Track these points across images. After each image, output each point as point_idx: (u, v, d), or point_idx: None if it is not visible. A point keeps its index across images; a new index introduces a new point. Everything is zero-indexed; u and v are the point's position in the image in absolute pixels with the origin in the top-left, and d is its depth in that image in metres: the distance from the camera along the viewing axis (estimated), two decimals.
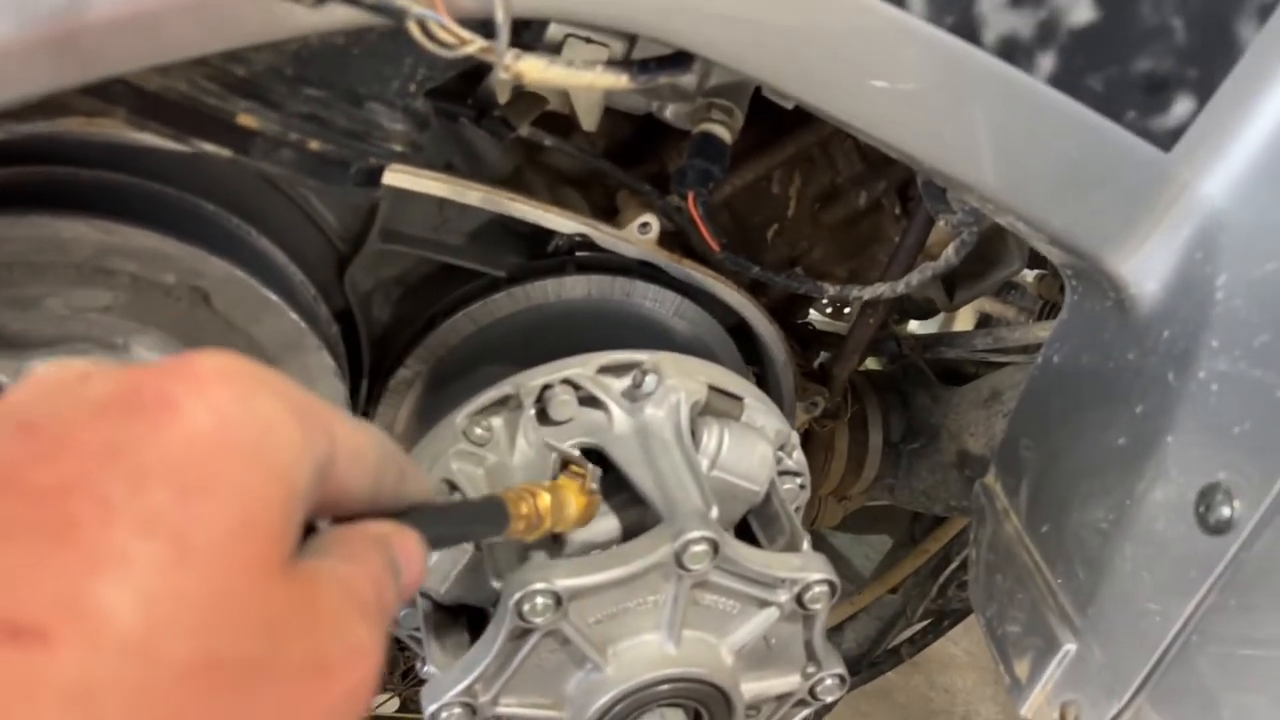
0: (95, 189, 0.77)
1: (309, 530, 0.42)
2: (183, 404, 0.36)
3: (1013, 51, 0.62)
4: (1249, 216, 0.65)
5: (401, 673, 1.27)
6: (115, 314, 0.76)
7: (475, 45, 0.55)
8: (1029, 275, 1.81)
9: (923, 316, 1.94)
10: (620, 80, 0.63)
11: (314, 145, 0.62)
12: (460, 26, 0.54)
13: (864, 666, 1.41)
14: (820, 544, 1.22)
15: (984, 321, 2.38)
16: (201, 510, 0.34)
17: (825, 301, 1.29)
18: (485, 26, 0.56)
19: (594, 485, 0.74)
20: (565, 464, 0.75)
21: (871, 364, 1.44)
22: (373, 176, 0.68)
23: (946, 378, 1.35)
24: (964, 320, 2.42)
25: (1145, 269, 0.71)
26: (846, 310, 1.67)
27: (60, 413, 0.36)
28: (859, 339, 1.08)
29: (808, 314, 1.29)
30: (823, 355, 1.21)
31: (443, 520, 0.53)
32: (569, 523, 0.71)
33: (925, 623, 1.38)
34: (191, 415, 0.36)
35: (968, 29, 0.61)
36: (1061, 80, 0.64)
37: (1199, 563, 0.65)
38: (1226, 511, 0.63)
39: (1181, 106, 0.65)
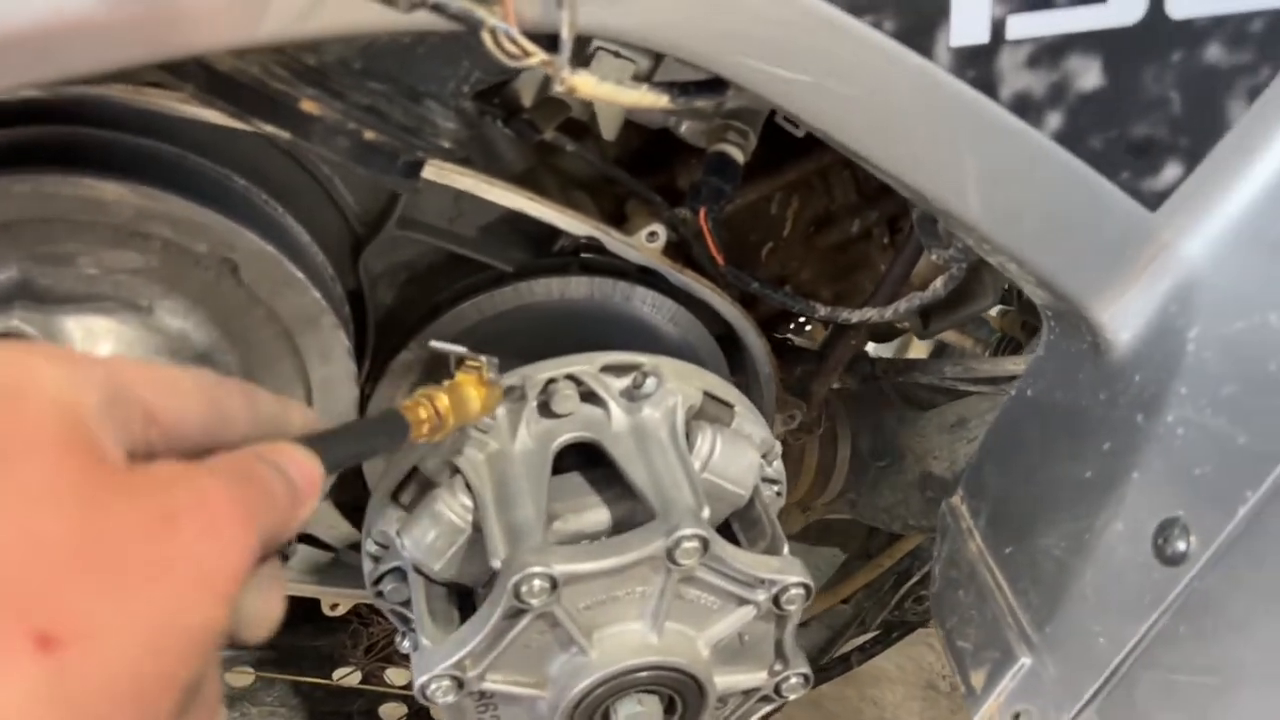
0: (134, 154, 0.79)
1: None
2: None
3: (1025, 108, 0.68)
4: (1223, 278, 0.71)
5: (365, 647, 1.29)
6: (144, 277, 0.79)
7: (538, 58, 0.59)
8: (992, 310, 1.88)
9: (884, 340, 2.02)
10: (661, 100, 0.67)
11: (369, 135, 0.65)
12: (526, 39, 0.58)
13: (814, 671, 1.46)
14: None
15: (939, 350, 2.46)
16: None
17: (812, 320, 1.33)
18: (540, 39, 0.60)
19: (492, 375, 0.74)
20: (461, 361, 0.74)
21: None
22: (415, 168, 0.71)
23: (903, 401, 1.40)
24: (918, 348, 2.48)
25: (1123, 317, 0.76)
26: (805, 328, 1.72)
27: None
28: (839, 358, 1.13)
29: (788, 330, 1.34)
30: (797, 370, 1.25)
31: (338, 441, 0.55)
32: (473, 415, 0.72)
33: (876, 633, 1.45)
34: None
35: (986, 84, 0.67)
36: (1065, 137, 0.69)
37: (1153, 590, 0.71)
38: (1182, 545, 0.69)
39: (1170, 171, 0.71)
